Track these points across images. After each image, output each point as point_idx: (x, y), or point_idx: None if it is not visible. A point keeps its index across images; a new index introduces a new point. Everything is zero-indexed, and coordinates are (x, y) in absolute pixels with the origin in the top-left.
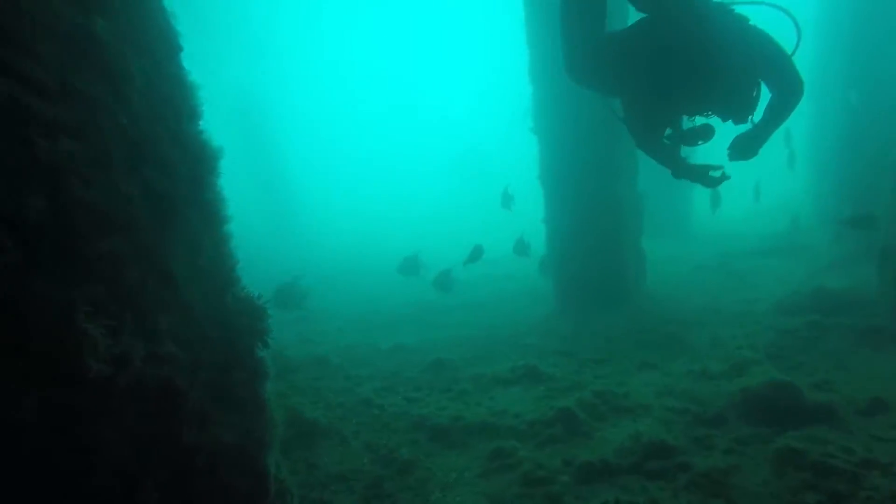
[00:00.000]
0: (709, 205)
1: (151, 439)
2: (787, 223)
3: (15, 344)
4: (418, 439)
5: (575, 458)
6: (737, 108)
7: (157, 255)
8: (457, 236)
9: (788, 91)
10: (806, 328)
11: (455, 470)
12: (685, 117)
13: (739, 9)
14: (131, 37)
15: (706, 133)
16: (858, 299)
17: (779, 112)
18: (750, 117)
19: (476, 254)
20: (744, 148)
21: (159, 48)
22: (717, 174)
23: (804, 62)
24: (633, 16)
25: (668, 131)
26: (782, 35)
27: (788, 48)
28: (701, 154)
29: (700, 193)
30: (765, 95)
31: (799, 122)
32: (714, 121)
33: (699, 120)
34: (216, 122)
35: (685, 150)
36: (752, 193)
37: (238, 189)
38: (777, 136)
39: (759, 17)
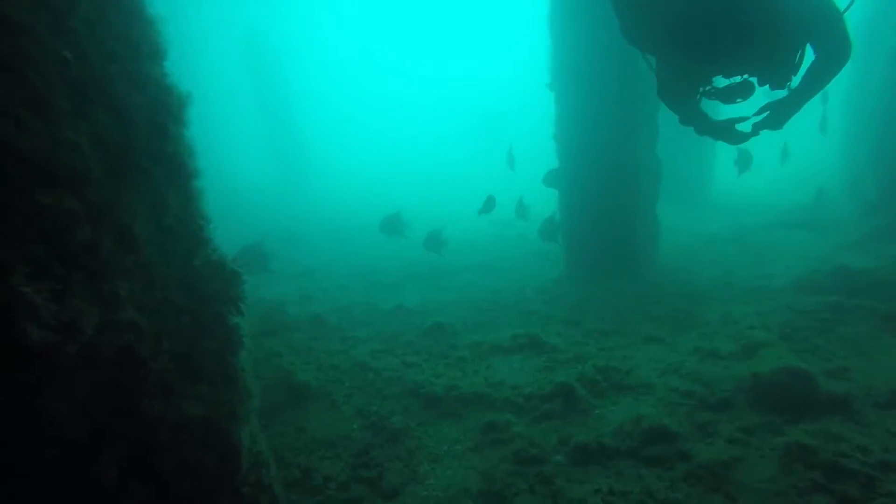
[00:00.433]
0: (735, 167)
1: (109, 412)
2: (813, 195)
3: None
4: (411, 407)
5: (571, 437)
6: (778, 70)
7: (113, 212)
8: (471, 197)
9: (835, 55)
10: (824, 309)
11: (446, 441)
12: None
13: None
14: None
15: (745, 90)
16: (884, 281)
17: (820, 77)
18: (788, 83)
19: (489, 205)
20: (776, 116)
21: None
22: (744, 127)
23: (848, 15)
24: None
25: (702, 87)
26: None
27: (841, 4)
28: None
29: (722, 158)
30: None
31: (837, 82)
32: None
33: (738, 78)
34: (226, 69)
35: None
36: (778, 156)
37: (250, 138)
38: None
39: None
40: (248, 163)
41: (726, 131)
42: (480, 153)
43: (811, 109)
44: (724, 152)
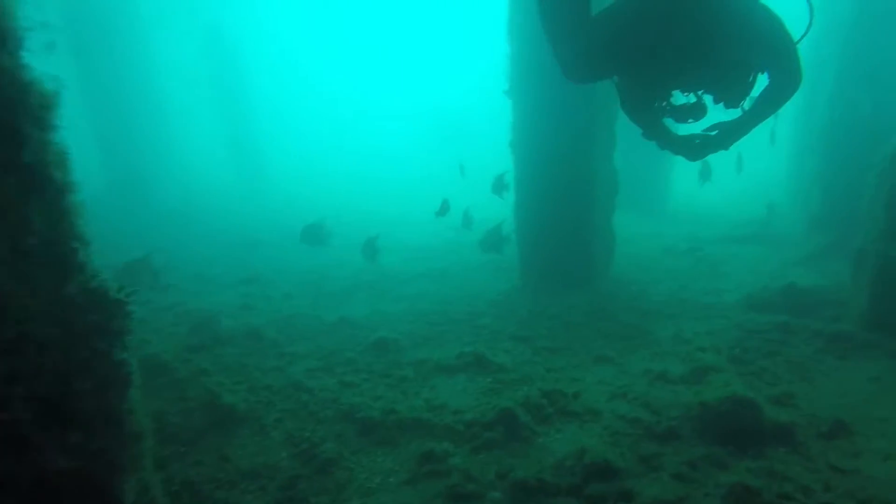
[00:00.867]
0: (697, 177)
1: None
2: (764, 209)
3: None
4: (345, 433)
5: (510, 471)
6: (732, 91)
7: None
8: (433, 201)
9: (787, 83)
10: (773, 329)
11: (380, 473)
12: (679, 93)
13: None
14: None
15: (698, 111)
16: (828, 300)
17: (771, 102)
18: (741, 103)
19: (444, 208)
20: (725, 136)
21: None
22: (711, 134)
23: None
24: None
25: (658, 103)
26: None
27: (795, 33)
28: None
29: (680, 169)
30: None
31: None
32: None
33: (693, 98)
34: (185, 63)
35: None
36: (734, 166)
37: (214, 140)
38: None
39: None
40: (212, 165)
41: (686, 147)
42: (445, 157)
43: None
44: (682, 163)
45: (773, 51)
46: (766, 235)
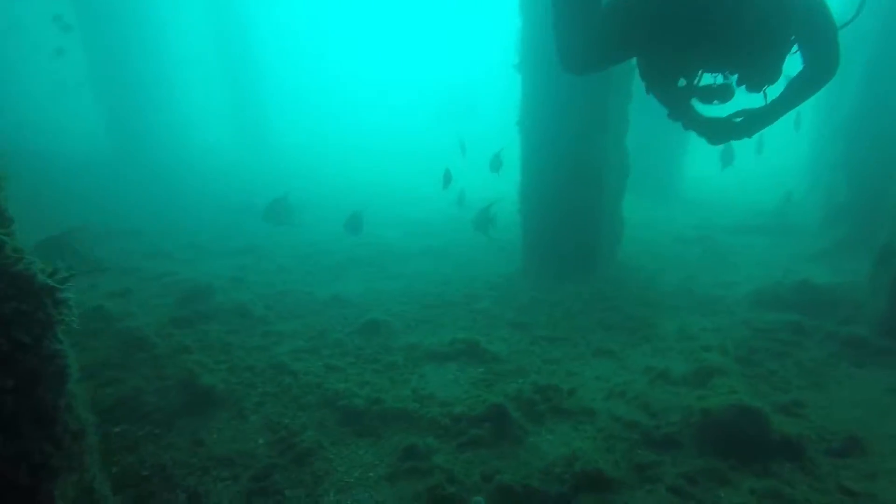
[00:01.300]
0: (719, 160)
1: None
2: (780, 198)
3: None
4: (327, 420)
5: (496, 473)
6: (761, 73)
7: None
8: (436, 176)
9: (822, 69)
10: (783, 329)
11: (360, 466)
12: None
13: None
14: None
15: (725, 93)
16: (845, 299)
17: (804, 89)
18: (765, 89)
19: (447, 178)
20: (751, 123)
21: None
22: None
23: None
24: None
25: (682, 82)
26: None
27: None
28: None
29: (694, 152)
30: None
31: None
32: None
33: (720, 78)
34: (191, 30)
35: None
36: (753, 148)
37: (214, 102)
38: None
39: None
40: (210, 126)
41: (711, 130)
42: (454, 132)
43: None
44: (696, 146)
45: (813, 28)
46: (781, 226)
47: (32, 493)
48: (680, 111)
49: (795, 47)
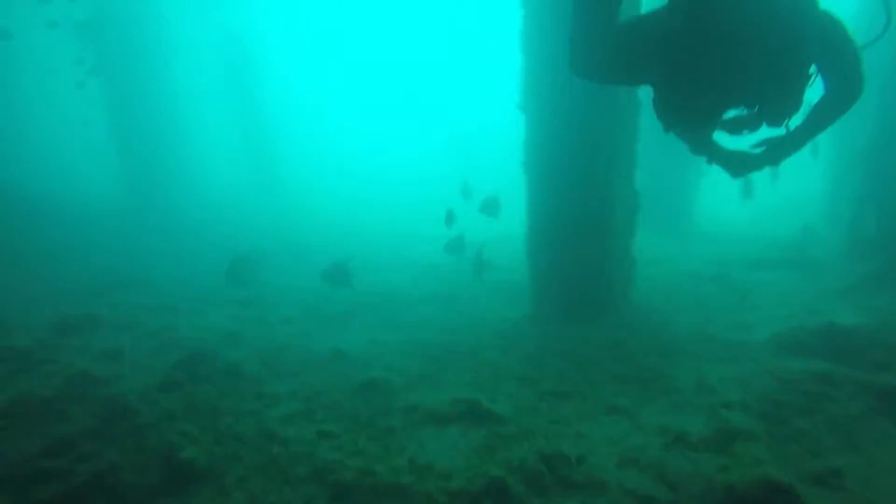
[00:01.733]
0: (739, 194)
1: None
2: (799, 230)
3: None
4: (314, 498)
5: None
6: (782, 105)
7: None
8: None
9: (847, 91)
10: (811, 379)
11: None
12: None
13: None
14: None
15: (753, 122)
16: (875, 343)
17: (828, 114)
18: (786, 121)
19: (450, 218)
20: (776, 151)
21: None
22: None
23: None
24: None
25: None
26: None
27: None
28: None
29: (708, 183)
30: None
31: None
32: None
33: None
34: (200, 69)
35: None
36: (768, 178)
37: (231, 150)
38: None
39: None
40: (229, 174)
41: (734, 162)
42: (456, 171)
43: None
44: (708, 178)
45: (835, 53)
46: (801, 260)
47: None
48: (703, 146)
49: (815, 73)
